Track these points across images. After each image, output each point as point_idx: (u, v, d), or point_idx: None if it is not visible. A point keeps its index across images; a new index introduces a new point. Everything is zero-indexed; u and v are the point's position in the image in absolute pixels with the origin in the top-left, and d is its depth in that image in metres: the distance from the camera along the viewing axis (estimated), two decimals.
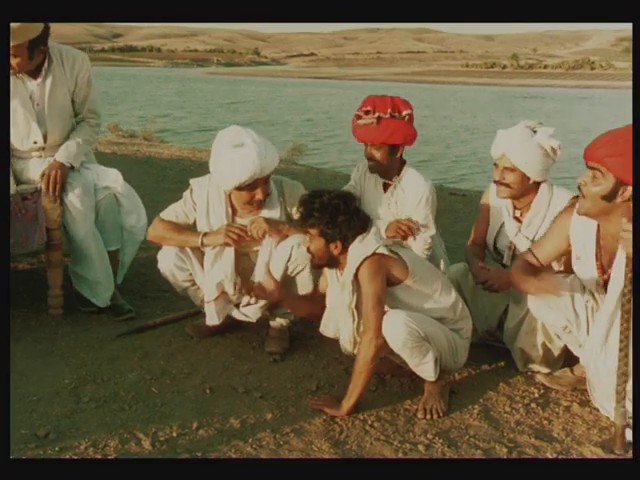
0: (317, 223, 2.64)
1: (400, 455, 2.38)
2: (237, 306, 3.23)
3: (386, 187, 3.31)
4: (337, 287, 2.76)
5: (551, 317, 2.72)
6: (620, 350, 2.30)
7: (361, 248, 2.62)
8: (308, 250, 2.74)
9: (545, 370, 2.95)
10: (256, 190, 2.98)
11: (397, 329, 2.53)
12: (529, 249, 2.84)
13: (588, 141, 2.50)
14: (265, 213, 3.09)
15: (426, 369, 2.65)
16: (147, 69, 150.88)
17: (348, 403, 2.62)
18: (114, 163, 8.90)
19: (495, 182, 3.11)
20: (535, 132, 2.98)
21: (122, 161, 9.52)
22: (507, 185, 3.06)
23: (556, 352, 2.89)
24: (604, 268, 2.59)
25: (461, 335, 2.78)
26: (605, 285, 2.56)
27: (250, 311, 3.18)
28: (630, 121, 2.37)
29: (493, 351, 3.19)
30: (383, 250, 2.62)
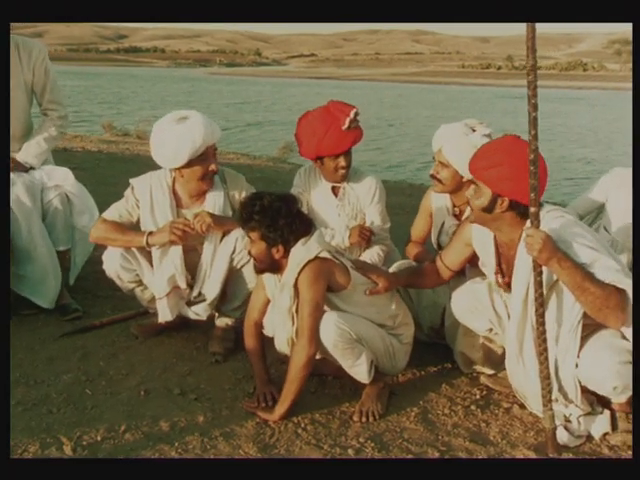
0: (258, 226, 2.55)
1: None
2: (188, 304, 3.17)
3: (335, 191, 3.32)
4: (275, 289, 2.69)
5: (474, 322, 2.68)
6: (540, 354, 2.23)
7: (304, 251, 2.53)
8: (249, 254, 2.67)
9: (489, 371, 2.88)
10: (209, 160, 2.99)
11: (328, 330, 2.46)
12: (439, 254, 2.82)
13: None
14: (209, 199, 3.09)
15: (359, 371, 2.58)
16: (151, 69, 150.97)
17: (280, 409, 2.54)
18: (99, 160, 8.88)
19: (430, 176, 3.07)
20: (474, 131, 2.91)
21: (106, 159, 9.46)
22: (440, 180, 3.00)
23: (498, 351, 2.81)
24: (504, 274, 2.55)
25: (400, 340, 2.71)
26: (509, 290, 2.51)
27: (200, 309, 3.14)
28: (622, 121, 2.30)
29: (439, 351, 3.11)
30: (326, 254, 2.55)
